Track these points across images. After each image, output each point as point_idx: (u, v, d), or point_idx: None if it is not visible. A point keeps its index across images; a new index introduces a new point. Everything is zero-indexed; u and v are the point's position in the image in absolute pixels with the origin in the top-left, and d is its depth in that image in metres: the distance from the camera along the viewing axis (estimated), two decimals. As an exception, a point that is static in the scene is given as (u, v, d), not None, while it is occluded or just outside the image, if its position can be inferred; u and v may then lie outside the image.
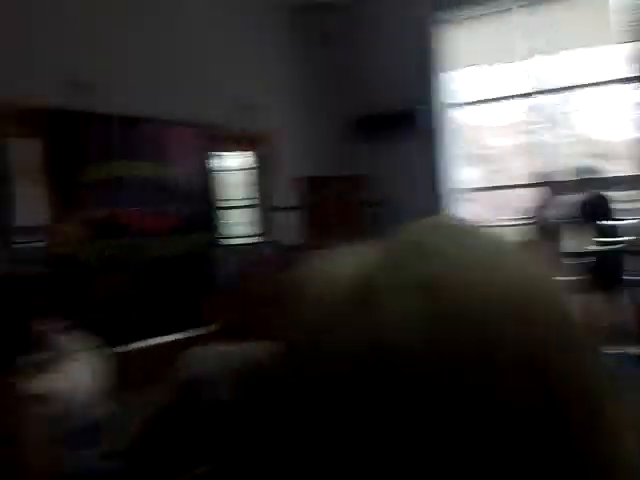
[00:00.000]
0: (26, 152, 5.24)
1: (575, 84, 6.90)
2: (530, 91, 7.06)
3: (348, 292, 0.42)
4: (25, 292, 2.34)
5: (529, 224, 5.44)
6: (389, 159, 7.24)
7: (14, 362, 1.91)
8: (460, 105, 7.41)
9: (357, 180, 6.42)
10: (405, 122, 7.08)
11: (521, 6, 6.91)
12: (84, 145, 5.10)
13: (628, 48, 6.40)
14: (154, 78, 5.67)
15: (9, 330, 2.07)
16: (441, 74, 7.29)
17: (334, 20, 7.28)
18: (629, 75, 6.46)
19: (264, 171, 6.92)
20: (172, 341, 5.20)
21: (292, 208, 6.42)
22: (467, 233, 0.46)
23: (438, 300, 0.39)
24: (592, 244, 5.44)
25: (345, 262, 0.46)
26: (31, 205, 5.01)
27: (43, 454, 1.88)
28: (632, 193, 6.58)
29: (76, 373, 2.18)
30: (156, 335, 5.42)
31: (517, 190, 7.10)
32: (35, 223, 4.90)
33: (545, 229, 5.46)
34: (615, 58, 6.62)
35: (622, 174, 6.80)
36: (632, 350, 5.44)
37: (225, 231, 6.45)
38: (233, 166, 7.12)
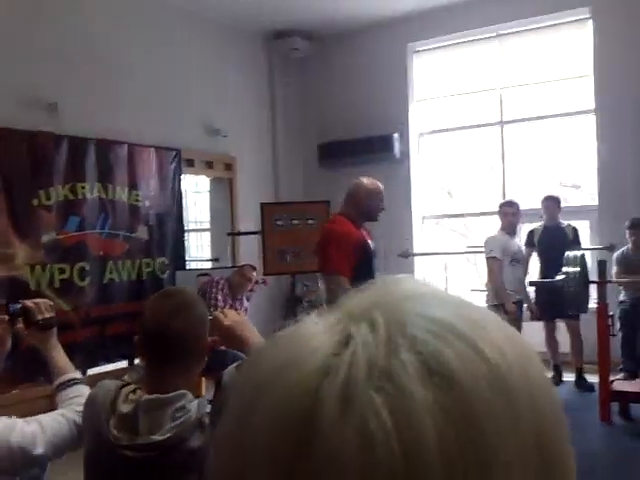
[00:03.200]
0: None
1: (543, 114, 6.92)
2: (499, 120, 7.08)
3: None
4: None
5: (493, 251, 5.42)
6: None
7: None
8: (430, 133, 7.45)
9: (321, 206, 6.38)
10: (378, 148, 7.15)
11: (492, 37, 6.96)
12: (44, 166, 5.06)
13: (592, 81, 6.45)
14: (121, 101, 5.66)
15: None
16: (413, 102, 7.35)
17: (307, 47, 7.35)
18: (593, 106, 6.49)
19: (226, 195, 6.93)
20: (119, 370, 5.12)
21: (252, 233, 6.39)
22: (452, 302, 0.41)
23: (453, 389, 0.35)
24: (555, 273, 5.41)
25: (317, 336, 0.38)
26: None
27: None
28: (595, 223, 6.57)
29: None
30: (105, 363, 5.32)
31: (483, 218, 7.09)
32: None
33: (510, 257, 5.45)
34: (581, 90, 6.66)
35: (587, 204, 6.79)
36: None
37: (185, 254, 6.41)
38: (196, 189, 7.11)
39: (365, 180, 4.14)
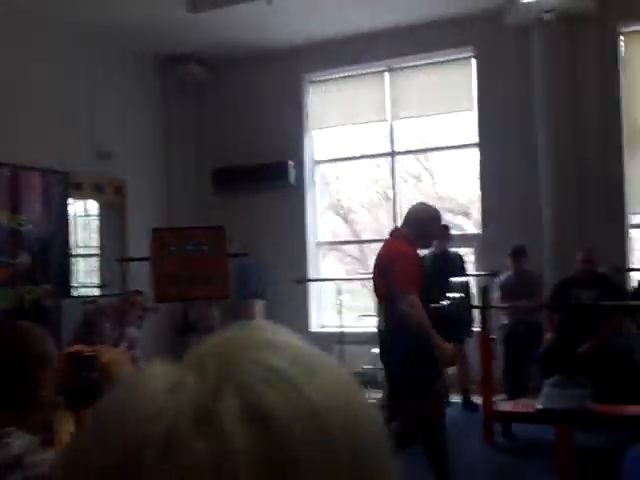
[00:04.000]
0: None
1: (432, 146, 7.22)
2: (390, 150, 7.30)
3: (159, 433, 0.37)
4: None
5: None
6: (256, 211, 7.28)
7: None
8: (325, 161, 7.58)
9: (216, 231, 6.31)
10: (274, 175, 7.19)
11: (385, 71, 7.20)
12: None
13: (476, 115, 6.82)
14: (4, 121, 5.44)
15: None
16: (309, 130, 7.46)
17: (203, 73, 7.32)
18: (477, 139, 6.85)
19: (117, 219, 6.74)
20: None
21: (143, 259, 6.22)
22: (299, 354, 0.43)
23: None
24: (443, 298, 5.60)
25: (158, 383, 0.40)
26: None
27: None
28: (479, 250, 6.89)
29: None
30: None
31: (378, 244, 7.25)
32: None
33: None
34: (466, 123, 7.01)
35: (472, 231, 7.11)
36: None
37: (72, 280, 6.16)
38: (85, 213, 6.87)
39: (425, 205, 4.11)
